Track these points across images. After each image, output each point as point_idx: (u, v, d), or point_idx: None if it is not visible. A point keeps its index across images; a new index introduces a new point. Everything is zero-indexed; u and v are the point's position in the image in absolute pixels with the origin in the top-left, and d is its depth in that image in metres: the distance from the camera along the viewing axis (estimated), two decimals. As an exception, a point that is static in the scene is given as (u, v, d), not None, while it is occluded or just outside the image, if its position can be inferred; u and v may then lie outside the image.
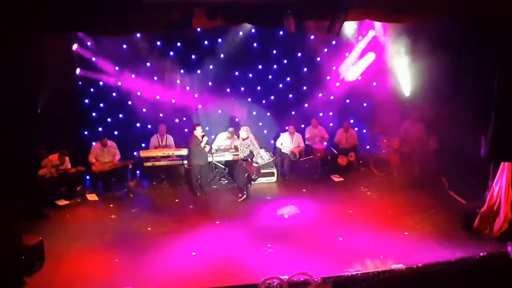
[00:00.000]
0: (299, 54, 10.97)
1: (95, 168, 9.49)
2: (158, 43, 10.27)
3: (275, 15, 6.65)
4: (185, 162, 9.92)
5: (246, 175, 9.09)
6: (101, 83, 10.22)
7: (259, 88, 11.04)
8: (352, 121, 11.19)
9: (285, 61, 10.97)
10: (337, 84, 11.14)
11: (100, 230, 7.68)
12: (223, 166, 10.31)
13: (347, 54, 10.90)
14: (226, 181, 10.20)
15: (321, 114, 11.13)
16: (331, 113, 11.41)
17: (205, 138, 9.23)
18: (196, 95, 10.75)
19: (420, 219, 7.76)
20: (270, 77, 11.02)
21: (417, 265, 6.14)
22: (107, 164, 9.54)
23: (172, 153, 9.92)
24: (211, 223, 7.89)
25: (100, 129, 10.37)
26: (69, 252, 6.84)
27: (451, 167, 8.77)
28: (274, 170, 10.23)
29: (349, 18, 6.96)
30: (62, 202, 8.73)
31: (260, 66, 10.96)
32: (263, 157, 10.34)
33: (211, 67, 10.63)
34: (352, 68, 10.85)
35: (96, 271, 6.33)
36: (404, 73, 10.13)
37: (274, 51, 10.84)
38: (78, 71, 9.88)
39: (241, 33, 10.44)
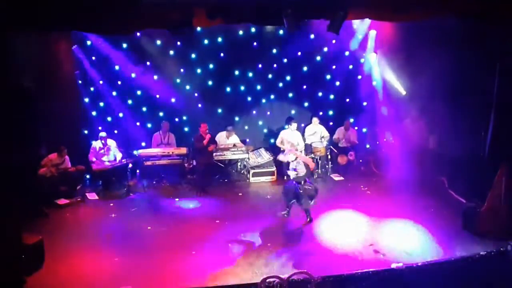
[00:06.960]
0: (299, 53, 10.95)
1: (95, 167, 9.48)
2: (158, 42, 10.25)
3: (275, 14, 6.64)
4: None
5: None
6: (100, 82, 10.19)
7: (259, 87, 11.02)
8: (352, 120, 11.18)
9: (285, 60, 10.95)
10: (337, 83, 11.14)
11: (100, 230, 7.68)
12: (223, 165, 10.32)
13: (347, 53, 10.90)
14: (226, 180, 10.20)
15: (321, 113, 11.12)
16: (331, 112, 11.40)
17: (208, 136, 9.21)
18: (196, 94, 10.74)
19: (420, 218, 7.77)
20: (270, 76, 11.01)
21: (417, 264, 6.16)
22: (107, 163, 9.53)
23: (172, 152, 9.92)
24: (211, 222, 7.89)
25: (100, 128, 10.35)
26: (69, 251, 6.84)
27: (451, 166, 8.77)
28: (274, 169, 10.22)
29: (349, 16, 6.96)
30: (62, 201, 8.72)
31: (260, 65, 10.94)
32: (262, 156, 10.35)
33: (211, 66, 10.62)
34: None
35: (96, 271, 6.34)
36: (404, 72, 10.12)
37: (274, 50, 10.82)
38: (77, 70, 9.86)
39: (241, 32, 10.43)
